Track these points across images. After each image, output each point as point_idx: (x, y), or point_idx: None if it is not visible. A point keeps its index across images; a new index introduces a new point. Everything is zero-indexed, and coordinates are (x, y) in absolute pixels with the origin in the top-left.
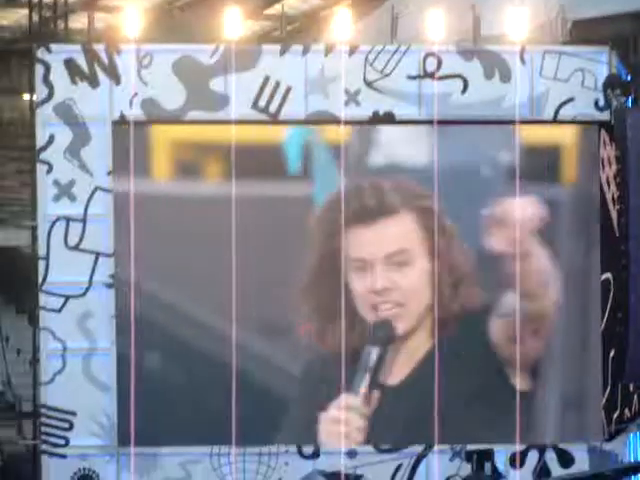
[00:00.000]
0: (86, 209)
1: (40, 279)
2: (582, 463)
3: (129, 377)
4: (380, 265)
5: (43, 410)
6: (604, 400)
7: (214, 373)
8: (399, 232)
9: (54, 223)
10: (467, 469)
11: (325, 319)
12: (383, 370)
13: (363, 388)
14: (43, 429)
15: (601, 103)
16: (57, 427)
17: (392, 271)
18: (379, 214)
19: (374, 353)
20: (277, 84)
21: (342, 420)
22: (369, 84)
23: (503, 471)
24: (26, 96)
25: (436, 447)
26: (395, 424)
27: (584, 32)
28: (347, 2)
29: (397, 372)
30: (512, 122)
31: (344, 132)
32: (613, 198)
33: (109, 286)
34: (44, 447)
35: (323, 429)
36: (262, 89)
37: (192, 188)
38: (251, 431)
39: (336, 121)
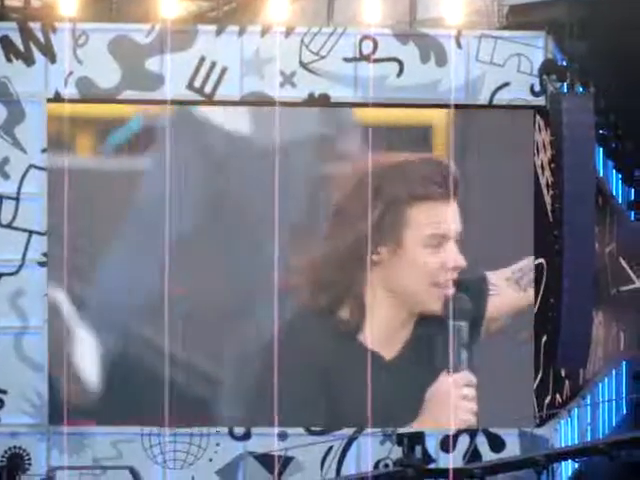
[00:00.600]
0: (20, 187)
1: None
2: (513, 447)
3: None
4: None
5: None
6: (535, 385)
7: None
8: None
9: None
10: (398, 452)
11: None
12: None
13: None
14: None
15: (537, 88)
16: None
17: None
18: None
19: (464, 328)
20: (213, 65)
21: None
22: (305, 66)
23: (434, 454)
24: None
25: (368, 430)
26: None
27: (520, 17)
28: None
29: None
30: (447, 106)
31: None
32: (547, 183)
33: (42, 264)
34: None
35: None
36: (198, 69)
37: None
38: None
39: (271, 102)
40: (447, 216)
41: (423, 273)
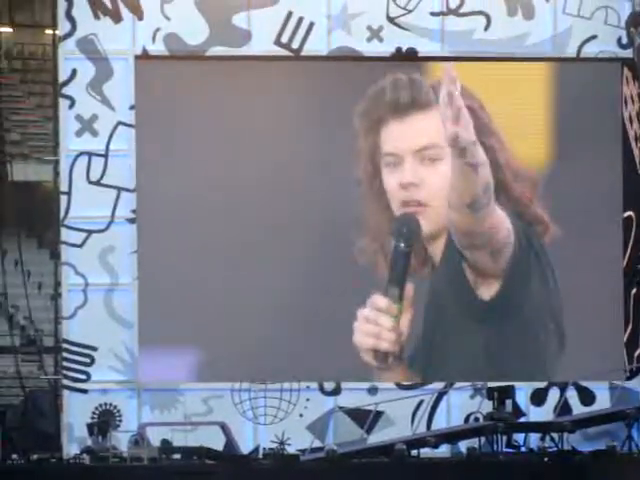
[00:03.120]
0: (108, 144)
1: (62, 214)
2: (603, 401)
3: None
4: (410, 159)
5: (64, 345)
6: (625, 338)
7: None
8: (431, 127)
9: (76, 158)
10: (488, 406)
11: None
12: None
13: (390, 287)
14: (64, 364)
15: (624, 40)
16: (78, 362)
17: (422, 166)
18: (412, 108)
19: (399, 249)
20: (300, 20)
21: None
22: (392, 20)
23: (524, 408)
24: (49, 31)
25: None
26: None
27: None
28: None
29: None
30: (536, 59)
31: None
32: (636, 136)
33: (131, 221)
34: (65, 382)
35: (356, 328)
36: (285, 25)
37: None
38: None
39: (359, 57)
40: (401, 134)
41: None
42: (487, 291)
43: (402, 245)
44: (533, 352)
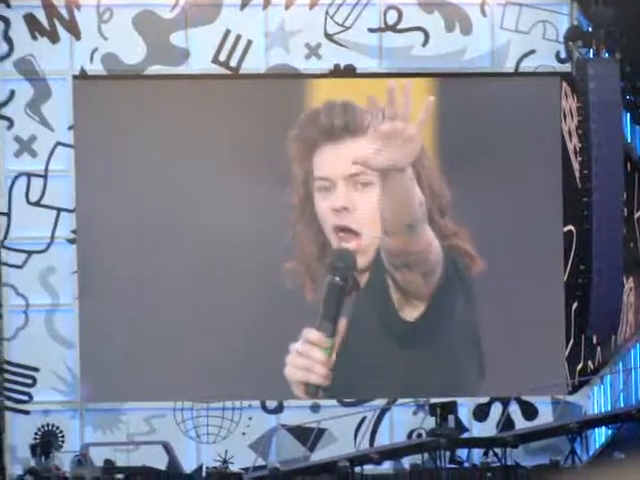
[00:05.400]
0: (47, 165)
1: (2, 235)
2: (546, 415)
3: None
4: (343, 184)
5: (6, 366)
6: (567, 353)
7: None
8: (364, 152)
9: (15, 179)
10: (431, 422)
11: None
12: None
13: (323, 321)
14: (6, 385)
15: (563, 55)
16: (20, 383)
17: (354, 191)
18: (346, 132)
19: (333, 283)
20: (238, 38)
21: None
22: (330, 37)
23: (467, 424)
24: None
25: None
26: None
27: None
28: None
29: None
30: (473, 75)
31: None
32: (575, 150)
33: (71, 241)
34: (7, 403)
35: (288, 361)
36: (223, 43)
37: None
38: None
39: (297, 75)
40: (334, 159)
41: (322, 219)
42: (411, 313)
43: (337, 279)
44: (452, 374)
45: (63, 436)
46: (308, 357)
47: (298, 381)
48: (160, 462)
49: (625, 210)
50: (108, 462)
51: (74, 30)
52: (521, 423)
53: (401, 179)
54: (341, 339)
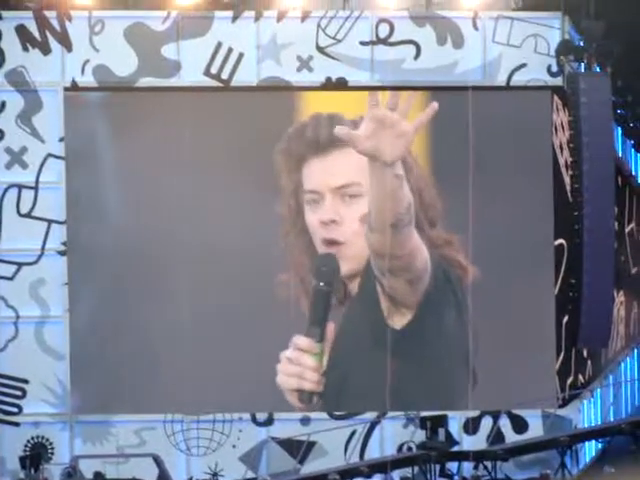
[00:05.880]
0: (38, 176)
1: None
2: (536, 429)
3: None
4: (330, 197)
5: None
6: (557, 366)
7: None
8: (351, 164)
9: (6, 190)
10: (421, 435)
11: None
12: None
13: (311, 327)
14: None
15: (554, 69)
16: (10, 395)
17: (342, 204)
18: (333, 145)
19: (319, 289)
20: (229, 51)
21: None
22: (321, 50)
23: (457, 437)
24: None
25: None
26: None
27: None
28: None
29: None
30: (465, 88)
31: None
32: (566, 164)
33: (62, 253)
34: None
35: (279, 369)
36: (214, 56)
37: None
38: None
39: (288, 87)
40: (322, 172)
41: (312, 232)
42: (399, 320)
43: (322, 284)
44: (439, 383)
45: (53, 448)
46: (299, 364)
47: (291, 389)
48: (150, 475)
49: (616, 224)
50: (98, 475)
51: (65, 42)
52: (511, 436)
53: (388, 173)
54: (330, 344)
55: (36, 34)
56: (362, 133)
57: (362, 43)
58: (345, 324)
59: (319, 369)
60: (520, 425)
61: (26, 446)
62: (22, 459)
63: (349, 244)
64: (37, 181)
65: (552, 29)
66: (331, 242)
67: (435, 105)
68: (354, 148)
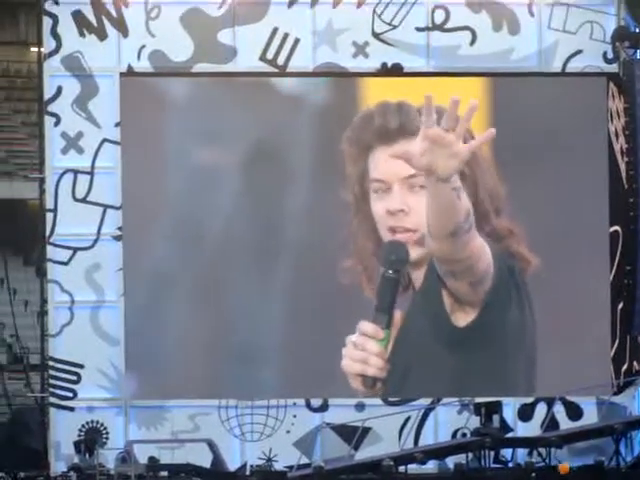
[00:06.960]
0: (94, 161)
1: (48, 231)
2: (591, 416)
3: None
4: (398, 187)
5: (51, 363)
6: (612, 353)
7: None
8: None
9: (62, 175)
10: (476, 422)
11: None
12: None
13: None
14: (51, 382)
15: (610, 55)
16: (65, 380)
17: (410, 193)
18: (401, 134)
19: (387, 276)
20: (285, 36)
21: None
22: (377, 36)
23: (511, 424)
24: (34, 48)
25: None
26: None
27: None
28: None
29: None
30: (520, 74)
31: None
32: (622, 150)
33: (117, 238)
34: (52, 400)
35: (344, 353)
36: (270, 41)
37: None
38: None
39: (344, 73)
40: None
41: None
42: (463, 318)
43: (390, 272)
44: (501, 380)
45: (107, 433)
46: (364, 349)
47: (355, 373)
48: (204, 460)
49: None
50: (152, 459)
51: (122, 27)
52: (566, 423)
53: (444, 189)
54: (396, 332)
55: (92, 20)
56: (417, 151)
57: (418, 29)
58: (410, 316)
59: (383, 355)
60: (574, 412)
61: (81, 431)
62: (77, 444)
63: (416, 233)
64: (93, 166)
65: (608, 16)
66: (399, 230)
67: (493, 131)
68: (409, 164)
